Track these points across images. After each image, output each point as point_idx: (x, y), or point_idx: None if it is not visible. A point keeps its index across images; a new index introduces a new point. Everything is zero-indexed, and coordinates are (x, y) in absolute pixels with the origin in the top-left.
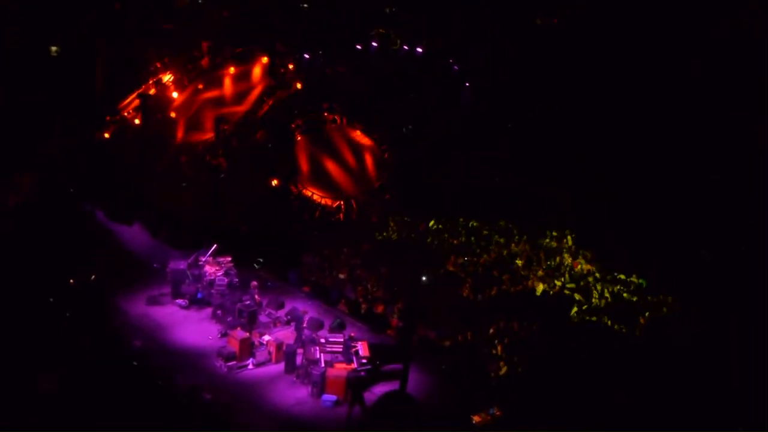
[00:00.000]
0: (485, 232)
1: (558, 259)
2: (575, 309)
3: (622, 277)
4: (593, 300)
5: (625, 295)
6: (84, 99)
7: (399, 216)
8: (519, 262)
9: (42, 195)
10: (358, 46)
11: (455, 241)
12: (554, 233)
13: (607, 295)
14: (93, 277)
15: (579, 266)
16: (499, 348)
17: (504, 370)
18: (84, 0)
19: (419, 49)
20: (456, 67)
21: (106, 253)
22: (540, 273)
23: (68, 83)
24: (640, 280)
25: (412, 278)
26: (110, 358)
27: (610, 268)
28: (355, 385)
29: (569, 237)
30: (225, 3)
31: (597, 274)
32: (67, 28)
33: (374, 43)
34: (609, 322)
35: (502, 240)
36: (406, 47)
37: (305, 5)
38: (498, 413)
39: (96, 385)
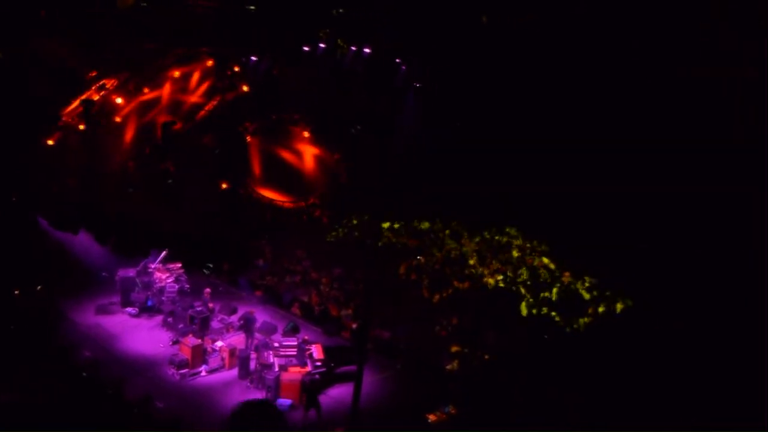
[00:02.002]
0: (440, 234)
1: (506, 255)
2: (524, 303)
3: (573, 279)
4: (545, 294)
5: (579, 290)
6: (26, 106)
7: (349, 217)
8: (471, 261)
9: None
10: (306, 48)
11: (409, 242)
12: (506, 229)
13: (555, 289)
14: (39, 287)
15: (532, 261)
16: (453, 346)
17: (456, 365)
18: (22, 5)
19: (367, 50)
20: (404, 68)
21: (53, 263)
22: (492, 268)
23: (9, 90)
24: (592, 280)
25: (365, 279)
26: (59, 370)
27: (563, 262)
28: (310, 388)
29: (519, 233)
30: (169, 5)
31: (549, 268)
32: (5, 33)
33: (322, 45)
34: (557, 318)
35: (452, 243)
36: (353, 48)
37: (252, 7)
38: (453, 411)
39: (45, 397)
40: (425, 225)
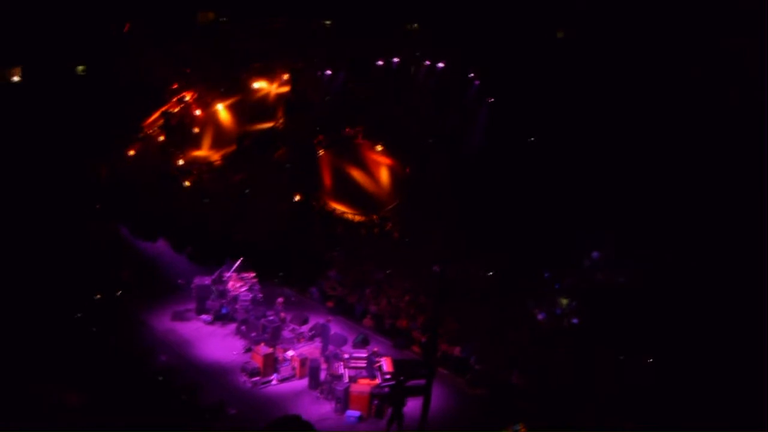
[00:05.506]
0: None
1: None
2: None
3: None
4: None
5: None
6: (109, 117)
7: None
8: None
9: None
10: (380, 62)
11: None
12: None
13: None
14: (119, 292)
15: None
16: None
17: (524, 382)
18: (108, 19)
19: (440, 65)
20: (477, 82)
21: (132, 270)
22: None
23: (94, 101)
24: None
25: (435, 293)
26: (136, 374)
27: None
28: (396, 402)
29: None
30: (247, 20)
31: None
32: (91, 47)
33: (395, 59)
34: None
35: None
36: (428, 62)
37: (327, 22)
38: (523, 429)
39: (121, 400)
40: None
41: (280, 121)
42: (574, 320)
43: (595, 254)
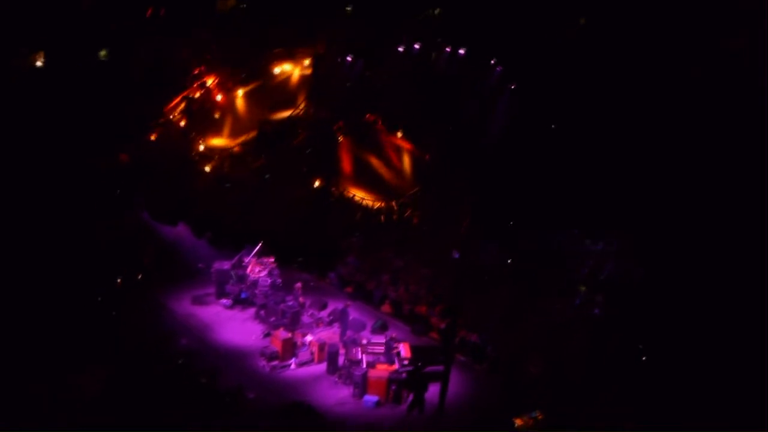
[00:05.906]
0: None
1: None
2: None
3: None
4: None
5: None
6: (131, 102)
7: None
8: None
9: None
10: (400, 49)
11: None
12: None
13: None
14: (139, 276)
15: None
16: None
17: (542, 370)
18: (129, 5)
19: (462, 51)
20: (499, 69)
21: (152, 254)
22: None
23: (116, 86)
24: None
25: (453, 279)
26: (156, 357)
27: None
28: (419, 387)
29: None
30: (268, 6)
31: None
32: (114, 32)
33: (416, 46)
34: None
35: None
36: (448, 49)
37: (348, 8)
38: (540, 416)
39: (141, 383)
40: None
41: (301, 106)
42: (596, 311)
43: (614, 244)
